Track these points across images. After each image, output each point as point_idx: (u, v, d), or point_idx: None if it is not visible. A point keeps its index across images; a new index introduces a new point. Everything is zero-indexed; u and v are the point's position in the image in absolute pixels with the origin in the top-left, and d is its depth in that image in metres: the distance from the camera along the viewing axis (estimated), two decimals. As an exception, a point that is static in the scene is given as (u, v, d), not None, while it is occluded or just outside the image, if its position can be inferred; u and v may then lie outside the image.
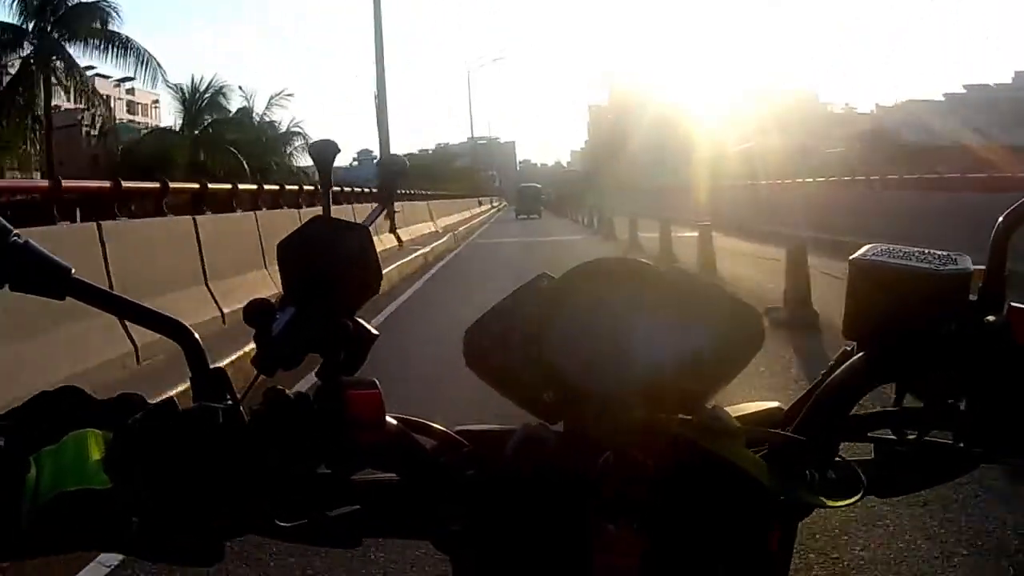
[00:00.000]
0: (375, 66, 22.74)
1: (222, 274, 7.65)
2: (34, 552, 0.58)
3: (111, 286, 4.99)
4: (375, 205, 0.77)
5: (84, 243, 5.72)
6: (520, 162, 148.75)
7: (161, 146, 32.66)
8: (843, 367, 0.66)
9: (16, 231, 0.60)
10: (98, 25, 28.91)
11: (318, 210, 0.68)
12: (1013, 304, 0.64)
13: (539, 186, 41.24)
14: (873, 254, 0.67)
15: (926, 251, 0.67)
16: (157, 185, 8.10)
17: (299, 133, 38.31)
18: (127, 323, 5.44)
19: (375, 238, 0.68)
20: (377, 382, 0.61)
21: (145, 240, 6.71)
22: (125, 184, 7.57)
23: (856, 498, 0.63)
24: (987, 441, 0.65)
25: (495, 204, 57.75)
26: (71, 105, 32.37)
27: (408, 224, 18.15)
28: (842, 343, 0.70)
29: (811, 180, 22.18)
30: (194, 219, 7.63)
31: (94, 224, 6.04)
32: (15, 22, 27.95)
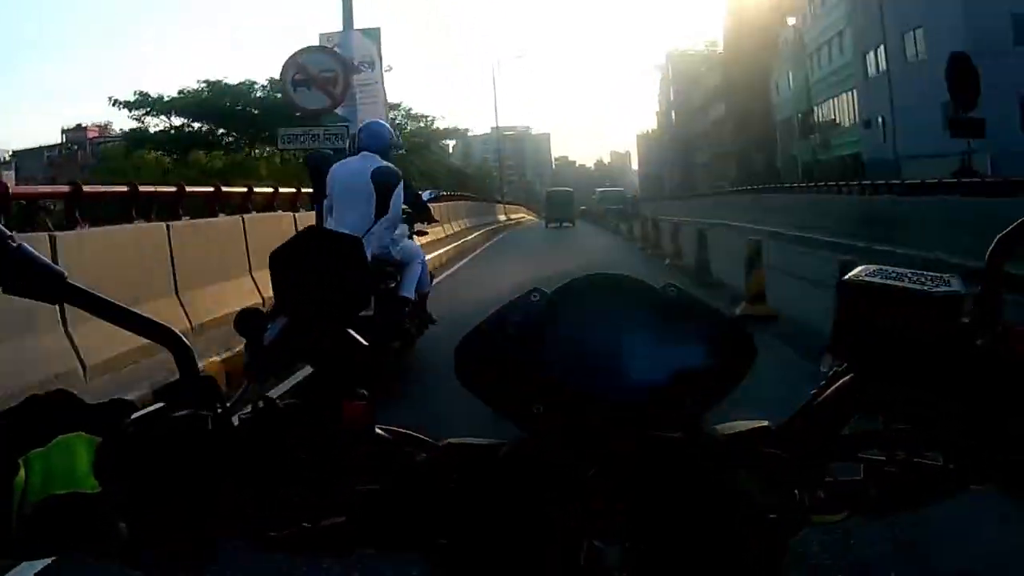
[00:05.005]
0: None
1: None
2: (23, 555, 0.58)
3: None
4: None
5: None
6: (556, 159, 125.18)
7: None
8: (833, 387, 0.66)
9: (11, 234, 0.61)
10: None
11: None
12: (1010, 327, 0.63)
13: (571, 190, 38.40)
14: (866, 275, 0.67)
15: (919, 272, 0.67)
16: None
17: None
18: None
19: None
20: (367, 393, 0.61)
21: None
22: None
23: (841, 516, 0.63)
24: (977, 463, 0.65)
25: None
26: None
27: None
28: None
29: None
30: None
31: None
32: None
